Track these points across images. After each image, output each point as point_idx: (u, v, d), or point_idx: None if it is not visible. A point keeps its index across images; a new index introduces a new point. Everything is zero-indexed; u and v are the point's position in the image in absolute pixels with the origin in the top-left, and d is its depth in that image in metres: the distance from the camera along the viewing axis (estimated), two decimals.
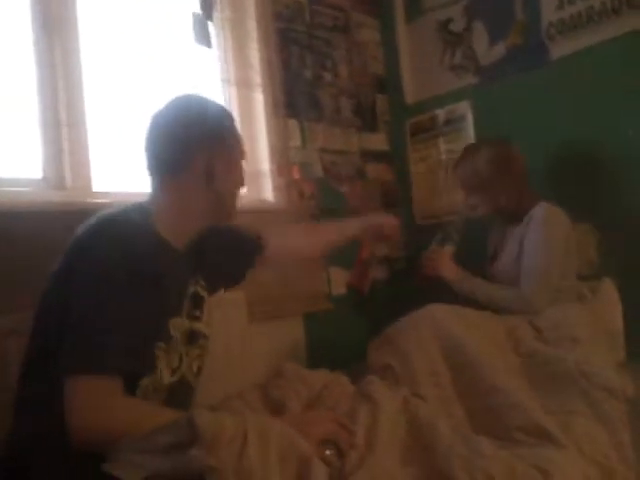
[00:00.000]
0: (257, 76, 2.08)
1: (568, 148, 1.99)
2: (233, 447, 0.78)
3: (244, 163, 1.25)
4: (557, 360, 1.41)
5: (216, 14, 2.03)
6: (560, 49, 2.02)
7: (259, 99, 2.08)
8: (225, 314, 1.65)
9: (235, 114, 2.06)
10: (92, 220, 1.05)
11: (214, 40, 2.02)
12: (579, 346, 1.45)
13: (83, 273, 0.98)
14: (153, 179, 1.16)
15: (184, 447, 0.77)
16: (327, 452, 0.97)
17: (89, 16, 1.71)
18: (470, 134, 2.30)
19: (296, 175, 2.15)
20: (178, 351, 1.11)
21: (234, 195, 1.22)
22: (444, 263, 1.82)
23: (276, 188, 2.08)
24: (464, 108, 2.31)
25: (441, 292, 1.77)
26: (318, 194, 2.21)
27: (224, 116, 1.20)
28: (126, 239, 1.00)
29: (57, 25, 1.61)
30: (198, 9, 1.95)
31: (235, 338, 1.66)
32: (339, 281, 2.22)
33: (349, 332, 2.15)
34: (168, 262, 1.08)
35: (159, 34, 1.91)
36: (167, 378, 1.07)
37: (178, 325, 1.11)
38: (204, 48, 1.97)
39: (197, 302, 1.20)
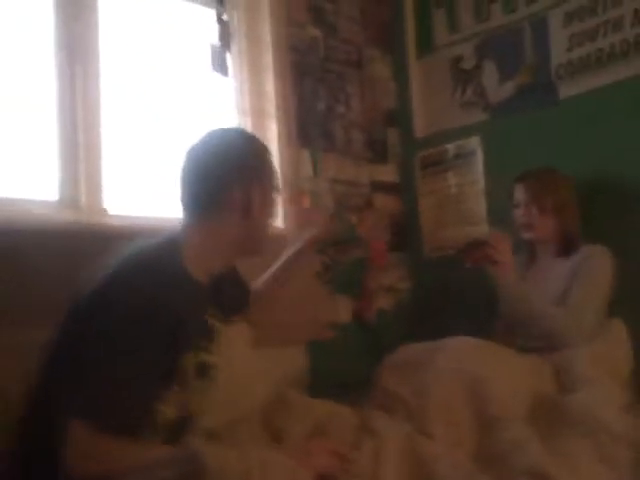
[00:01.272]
0: (271, 106, 2.13)
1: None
2: None
3: (277, 195, 1.26)
4: (565, 402, 1.41)
5: (233, 46, 2.09)
6: (568, 89, 2.06)
7: (273, 129, 2.12)
8: (228, 339, 1.66)
9: None
10: (124, 258, 1.04)
11: (231, 71, 2.07)
12: (587, 388, 1.45)
13: (105, 319, 0.97)
14: (186, 213, 1.16)
15: None
16: None
17: (111, 42, 1.77)
18: (479, 169, 2.33)
19: (306, 204, 2.18)
20: (188, 386, 1.10)
21: (267, 227, 1.22)
22: (509, 251, 1.73)
23: (287, 216, 2.11)
24: (474, 143, 2.35)
25: (446, 326, 1.77)
26: (333, 225, 2.23)
27: (259, 149, 1.21)
28: (154, 286, 0.99)
29: (79, 49, 1.66)
30: (216, 40, 2.01)
31: (238, 364, 1.66)
32: (344, 310, 2.23)
33: (353, 361, 2.15)
34: (192, 304, 1.07)
35: (178, 64, 1.97)
36: (174, 413, 1.06)
37: (189, 361, 1.10)
38: (221, 78, 2.03)
39: (209, 334, 1.19)
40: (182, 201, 1.17)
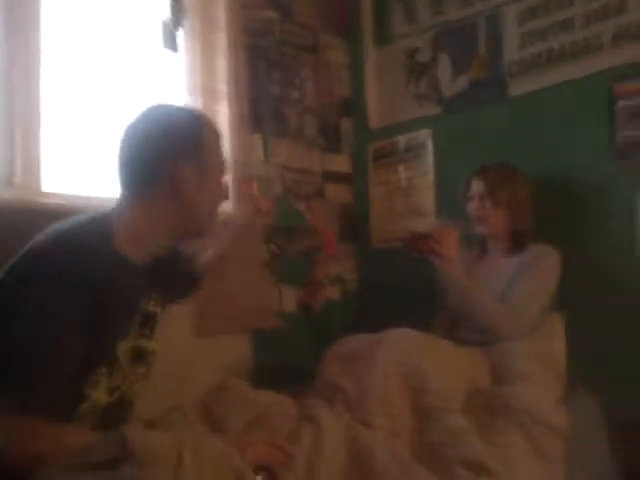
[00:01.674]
0: (223, 87, 2.07)
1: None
2: (168, 464, 0.76)
3: (224, 177, 1.20)
4: (501, 394, 1.43)
5: (186, 23, 2.02)
6: (519, 87, 2.09)
7: (224, 111, 2.07)
8: (170, 326, 1.61)
9: None
10: (45, 236, 1.00)
11: (182, 48, 2.00)
12: (521, 382, 1.48)
13: (21, 298, 0.93)
14: (122, 191, 1.12)
15: (116, 465, 0.75)
16: (258, 478, 0.95)
17: (55, 16, 1.67)
18: (429, 162, 2.34)
19: (255, 190, 2.14)
20: (122, 371, 1.07)
21: (207, 210, 1.16)
22: (454, 245, 1.71)
23: (235, 201, 2.07)
24: (425, 136, 2.36)
25: (392, 316, 1.77)
26: (276, 210, 2.20)
27: (197, 126, 1.14)
28: (76, 259, 0.95)
29: (19, 24, 1.58)
30: (168, 16, 1.94)
31: (179, 351, 1.62)
32: (290, 298, 2.21)
33: (297, 351, 2.13)
34: (122, 283, 1.03)
35: (126, 39, 1.89)
36: (105, 399, 1.04)
37: (125, 347, 1.07)
38: (172, 56, 1.96)
39: (148, 319, 1.16)
40: (119, 178, 1.12)
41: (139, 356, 1.12)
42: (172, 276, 1.26)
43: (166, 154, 1.09)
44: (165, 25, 1.94)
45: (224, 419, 1.22)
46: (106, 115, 1.77)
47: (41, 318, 0.92)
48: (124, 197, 1.11)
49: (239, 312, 1.93)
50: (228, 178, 1.25)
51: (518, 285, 1.70)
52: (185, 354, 1.64)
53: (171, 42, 1.94)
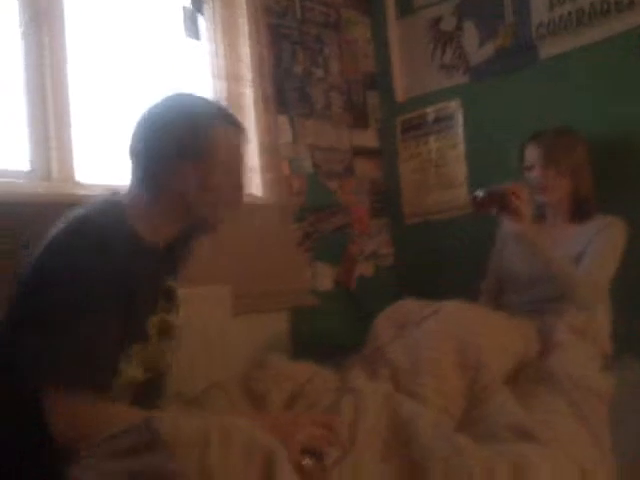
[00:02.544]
0: (247, 71, 2.07)
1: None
2: (194, 449, 0.77)
3: (239, 181, 1.17)
4: (543, 364, 1.43)
5: (207, 7, 2.03)
6: (549, 49, 2.03)
7: (249, 94, 2.08)
8: (209, 306, 1.65)
9: None
10: (64, 221, 1.02)
11: (204, 34, 2.01)
12: (563, 350, 1.47)
13: (55, 282, 0.96)
14: (132, 177, 1.13)
15: (144, 451, 0.77)
16: (305, 462, 0.95)
17: (77, 9, 1.70)
18: (459, 132, 2.31)
19: (286, 171, 2.15)
20: (155, 347, 1.10)
21: (211, 211, 1.14)
22: (529, 204, 1.65)
23: (265, 183, 2.08)
24: (454, 107, 2.32)
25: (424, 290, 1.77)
26: (307, 190, 2.22)
27: (210, 127, 1.09)
28: (100, 242, 0.98)
29: (45, 18, 1.60)
30: (189, 2, 1.95)
31: (218, 330, 1.65)
32: (325, 276, 2.23)
33: (334, 328, 2.16)
34: (144, 262, 1.06)
35: (149, 27, 1.90)
36: (140, 375, 1.07)
37: (154, 322, 1.10)
38: (194, 41, 1.97)
39: (170, 295, 1.18)
40: (130, 161, 1.13)
41: (165, 330, 1.15)
42: (184, 252, 1.26)
43: (170, 151, 1.07)
44: (186, 11, 1.95)
45: (264, 395, 1.24)
46: (134, 103, 1.80)
47: (75, 300, 0.94)
48: (133, 184, 1.13)
49: (275, 291, 1.96)
50: (245, 182, 1.20)
51: (591, 253, 1.65)
52: (224, 333, 1.67)
53: (193, 29, 1.95)
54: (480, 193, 1.68)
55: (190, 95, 1.17)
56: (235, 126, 1.15)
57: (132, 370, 1.05)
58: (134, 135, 1.12)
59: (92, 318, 0.94)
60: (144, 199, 1.10)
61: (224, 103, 2.04)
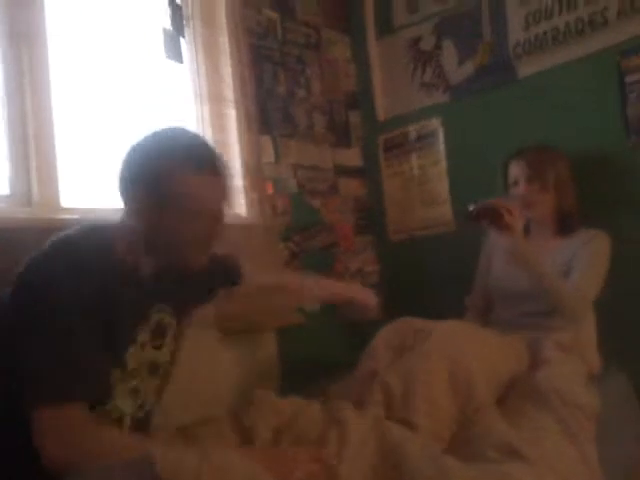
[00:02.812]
0: (230, 92, 2.08)
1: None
2: None
3: (214, 225, 1.14)
4: (530, 380, 1.43)
5: (187, 30, 2.04)
6: (526, 68, 2.07)
7: (232, 115, 2.08)
8: (195, 329, 1.63)
9: (208, 130, 2.07)
10: (46, 244, 1.02)
11: (186, 56, 2.02)
12: (549, 366, 1.48)
13: (33, 304, 0.95)
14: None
15: None
16: None
17: (58, 29, 1.69)
18: (441, 150, 2.34)
19: (269, 190, 2.16)
20: (138, 380, 1.09)
21: (183, 252, 1.12)
22: (519, 218, 1.67)
23: (249, 203, 2.08)
24: (435, 125, 2.35)
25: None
26: (292, 209, 2.22)
27: (186, 171, 1.07)
28: (77, 263, 0.98)
29: (25, 37, 1.58)
30: (169, 24, 1.96)
31: (205, 352, 1.64)
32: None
33: (323, 347, 2.15)
34: (122, 285, 1.05)
35: (131, 49, 1.90)
36: (129, 409, 1.06)
37: (137, 357, 1.08)
38: (176, 64, 1.98)
39: (161, 330, 1.17)
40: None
41: (153, 368, 1.14)
42: (185, 287, 1.24)
43: (139, 192, 1.08)
44: (166, 33, 1.95)
45: (252, 428, 1.23)
46: (118, 126, 1.80)
47: (53, 315, 0.94)
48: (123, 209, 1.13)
49: (264, 311, 1.95)
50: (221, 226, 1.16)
51: (579, 266, 1.66)
52: (211, 355, 1.65)
53: (175, 51, 1.95)
54: (473, 207, 1.69)
55: (173, 136, 1.13)
56: (213, 174, 1.12)
57: (119, 401, 1.03)
58: (123, 162, 1.12)
59: (67, 335, 0.93)
60: (128, 225, 1.10)
61: (206, 124, 2.06)
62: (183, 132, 1.16)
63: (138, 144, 1.11)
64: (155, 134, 1.12)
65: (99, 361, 0.98)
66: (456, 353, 1.38)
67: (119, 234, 1.09)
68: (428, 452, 1.08)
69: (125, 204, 1.12)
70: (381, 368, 1.42)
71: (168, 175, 1.06)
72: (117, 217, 1.16)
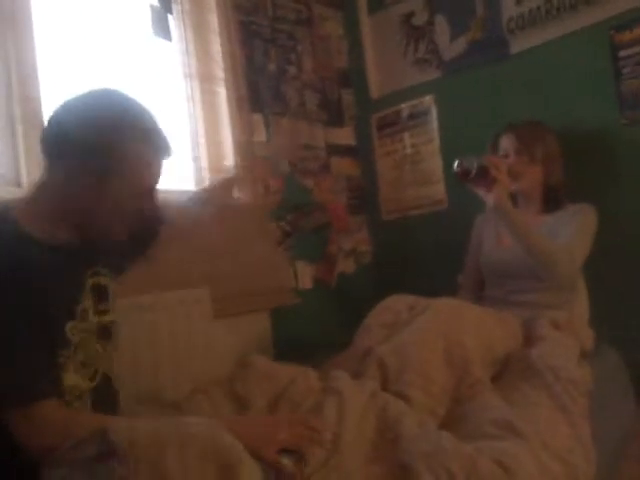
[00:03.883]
0: (220, 70, 2.05)
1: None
2: (148, 455, 0.78)
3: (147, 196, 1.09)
4: (524, 358, 1.44)
5: (175, 6, 1.99)
6: (520, 43, 2.05)
7: (222, 93, 2.05)
8: (189, 310, 1.63)
9: (198, 109, 2.04)
10: None
11: (174, 33, 1.98)
12: (543, 342, 1.48)
13: None
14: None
15: (105, 458, 0.78)
16: (285, 461, 0.95)
17: (44, 8, 1.66)
18: (434, 128, 2.32)
19: (261, 170, 2.14)
20: (91, 352, 1.06)
21: (105, 220, 1.07)
22: (506, 176, 1.66)
23: (243, 184, 2.06)
24: (428, 102, 2.33)
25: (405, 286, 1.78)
26: (284, 189, 2.20)
27: (119, 133, 1.01)
28: None
29: (10, 18, 1.55)
30: (156, 1, 1.92)
31: (199, 334, 1.64)
32: (305, 275, 2.22)
33: (316, 326, 2.15)
34: (34, 264, 0.98)
35: (118, 27, 1.87)
36: (85, 383, 1.04)
37: (79, 328, 1.04)
38: (164, 41, 1.94)
39: (100, 294, 1.13)
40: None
41: (104, 333, 1.11)
42: (118, 247, 1.18)
43: (70, 148, 1.01)
44: (154, 10, 1.91)
45: (247, 397, 1.23)
46: None
47: None
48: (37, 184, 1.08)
49: (256, 292, 1.94)
50: (156, 198, 1.12)
51: (565, 232, 1.66)
52: (205, 336, 1.65)
53: (163, 29, 1.92)
54: (458, 162, 1.67)
55: (111, 99, 1.07)
56: (153, 145, 1.07)
57: (71, 378, 1.00)
58: (50, 117, 1.05)
59: (9, 338, 0.92)
60: (38, 192, 1.05)
61: (197, 103, 2.03)
62: (122, 97, 1.08)
63: (75, 105, 1.04)
64: (93, 96, 1.06)
65: (44, 355, 0.96)
66: (451, 329, 1.38)
67: (26, 207, 1.04)
68: (424, 428, 1.08)
69: (50, 166, 1.04)
70: (375, 345, 1.42)
71: (111, 144, 1.01)
72: None
